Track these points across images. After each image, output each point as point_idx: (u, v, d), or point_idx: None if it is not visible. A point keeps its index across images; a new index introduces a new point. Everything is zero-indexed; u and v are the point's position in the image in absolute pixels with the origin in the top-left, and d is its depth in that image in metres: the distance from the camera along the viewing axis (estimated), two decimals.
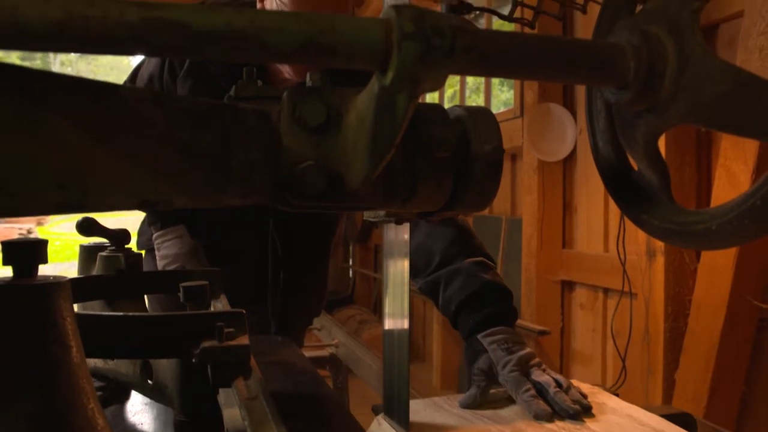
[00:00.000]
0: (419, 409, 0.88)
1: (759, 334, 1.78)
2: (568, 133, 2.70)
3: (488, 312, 0.97)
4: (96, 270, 0.94)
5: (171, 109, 0.39)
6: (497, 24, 3.49)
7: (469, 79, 4.24)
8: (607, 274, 2.40)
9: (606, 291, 2.52)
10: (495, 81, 4.02)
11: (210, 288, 0.77)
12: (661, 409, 0.92)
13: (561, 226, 2.80)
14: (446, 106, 0.54)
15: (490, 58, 0.40)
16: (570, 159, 2.75)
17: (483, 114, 0.51)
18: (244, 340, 0.63)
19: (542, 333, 2.70)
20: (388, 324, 0.81)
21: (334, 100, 0.44)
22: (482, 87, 4.02)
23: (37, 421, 0.43)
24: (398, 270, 0.79)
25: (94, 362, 0.85)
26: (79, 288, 0.83)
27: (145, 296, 1.01)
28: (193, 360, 0.61)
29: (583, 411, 0.85)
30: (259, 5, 1.29)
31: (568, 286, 2.79)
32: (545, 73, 0.44)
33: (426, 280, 1.06)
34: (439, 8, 0.70)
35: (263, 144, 0.43)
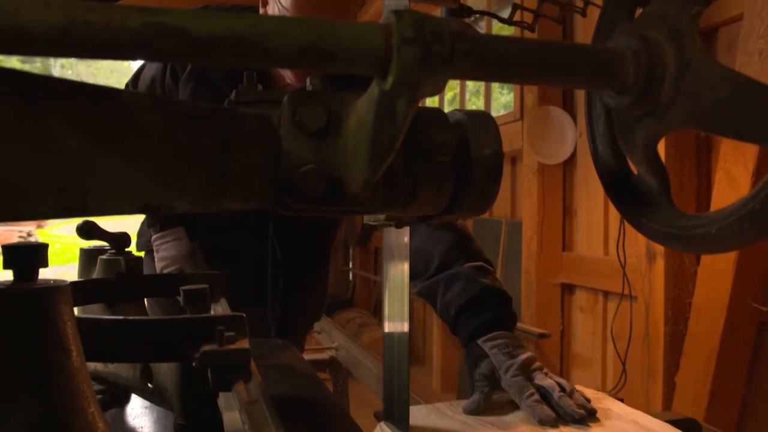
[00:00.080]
0: (422, 415, 0.88)
1: (759, 337, 1.78)
2: (568, 136, 2.70)
3: (488, 317, 0.97)
4: (96, 273, 0.94)
5: (171, 114, 0.40)
6: (497, 27, 3.49)
7: (469, 82, 4.24)
8: (607, 277, 2.40)
9: (606, 294, 2.52)
10: (495, 84, 4.02)
11: (210, 291, 0.77)
12: (666, 414, 0.92)
13: (561, 229, 2.80)
14: (446, 109, 0.54)
15: (489, 63, 0.40)
16: (570, 162, 2.76)
17: (483, 118, 0.51)
18: (244, 343, 0.63)
19: (542, 336, 2.70)
20: (388, 327, 0.81)
21: (334, 104, 0.44)
22: (482, 90, 4.02)
23: (38, 425, 0.43)
24: (398, 273, 0.79)
25: (94, 365, 0.85)
26: (79, 291, 0.83)
27: (145, 299, 1.01)
28: (194, 364, 0.62)
29: (587, 415, 0.85)
30: (261, 10, 1.29)
31: (568, 289, 2.79)
32: (545, 77, 0.44)
33: (425, 284, 1.06)
34: (439, 12, 0.70)
35: (263, 148, 0.43)
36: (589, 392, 0.94)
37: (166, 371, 0.76)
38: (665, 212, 0.52)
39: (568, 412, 0.84)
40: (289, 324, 1.52)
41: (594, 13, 0.62)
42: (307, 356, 2.02)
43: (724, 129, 0.44)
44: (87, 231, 0.93)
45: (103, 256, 0.94)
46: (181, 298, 0.76)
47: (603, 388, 2.38)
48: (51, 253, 0.50)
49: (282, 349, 1.33)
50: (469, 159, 0.50)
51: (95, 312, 0.88)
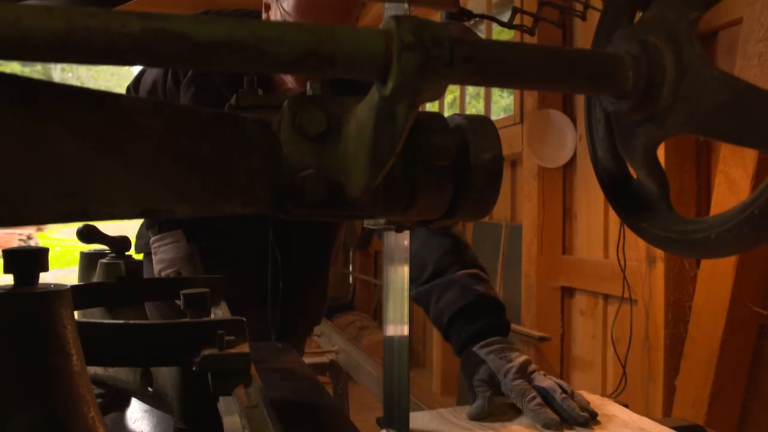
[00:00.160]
0: (425, 421, 0.88)
1: (759, 340, 1.78)
2: (567, 139, 2.70)
3: (482, 324, 0.97)
4: (96, 277, 0.94)
5: (171, 118, 0.40)
6: (497, 30, 3.50)
7: (469, 86, 4.24)
8: (607, 281, 2.40)
9: (606, 297, 2.52)
10: (495, 88, 4.02)
11: (210, 295, 0.77)
12: (671, 421, 0.92)
13: (561, 232, 2.80)
14: (446, 112, 0.54)
15: (489, 68, 0.40)
16: (570, 165, 2.76)
17: (482, 122, 0.52)
18: (244, 348, 0.63)
19: (542, 339, 2.70)
20: (389, 330, 0.81)
21: (334, 109, 0.44)
22: (482, 93, 4.02)
23: (38, 429, 0.43)
24: (398, 276, 0.79)
25: (94, 369, 0.85)
26: (79, 295, 0.84)
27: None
28: (194, 368, 0.61)
29: (590, 418, 0.85)
30: (264, 15, 1.30)
31: (568, 292, 2.79)
32: (544, 82, 0.44)
33: (418, 290, 1.07)
34: (438, 16, 0.70)
35: (264, 153, 0.43)
36: (594, 398, 0.94)
37: (166, 375, 0.76)
38: (665, 217, 0.52)
39: (572, 416, 0.84)
40: (288, 327, 1.52)
41: (594, 17, 0.62)
42: (307, 359, 2.02)
43: (723, 134, 0.44)
44: (87, 234, 0.93)
45: (104, 260, 0.94)
46: (181, 302, 0.76)
47: (603, 392, 2.38)
48: (51, 256, 0.50)
49: (282, 353, 1.33)
50: (469, 163, 0.50)
51: (95, 316, 0.88)
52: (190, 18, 0.34)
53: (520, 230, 2.99)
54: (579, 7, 0.73)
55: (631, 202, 0.55)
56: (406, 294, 0.79)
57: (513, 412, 0.90)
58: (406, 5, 0.63)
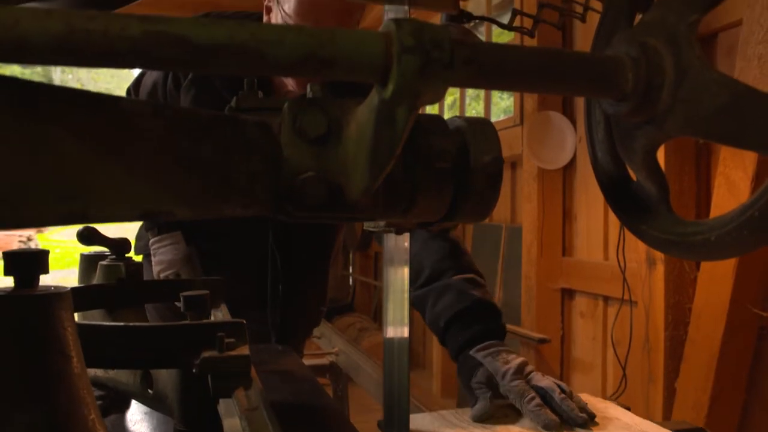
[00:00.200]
0: (426, 423, 0.88)
1: (759, 342, 1.78)
2: (567, 141, 2.70)
3: (479, 329, 0.98)
4: (96, 279, 0.94)
5: (172, 121, 0.40)
6: (497, 32, 3.50)
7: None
8: (607, 282, 2.40)
9: (606, 299, 2.52)
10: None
11: (210, 297, 0.78)
12: (674, 424, 0.92)
13: (561, 233, 2.80)
14: (446, 113, 0.54)
15: (489, 70, 0.40)
16: (570, 167, 2.76)
17: (482, 125, 0.52)
18: (244, 350, 0.63)
19: (542, 341, 2.70)
20: (389, 332, 0.81)
21: (334, 111, 0.44)
22: (482, 95, 4.03)
23: (38, 431, 0.43)
24: (398, 278, 0.79)
25: (94, 371, 0.85)
26: (79, 297, 0.84)
27: None
28: (194, 370, 0.62)
29: (589, 419, 0.85)
30: (265, 18, 1.30)
31: (568, 294, 2.79)
32: (544, 85, 0.44)
33: (415, 294, 1.07)
34: (438, 17, 0.70)
35: (264, 155, 0.43)
36: (597, 401, 0.94)
37: (166, 377, 0.76)
38: (664, 219, 0.52)
39: (571, 416, 0.84)
40: (288, 329, 1.52)
41: (593, 19, 0.62)
42: (307, 361, 2.02)
43: (722, 136, 0.44)
44: (87, 236, 0.93)
45: (104, 262, 0.94)
46: (181, 304, 0.76)
47: (603, 394, 2.38)
48: (51, 257, 0.50)
49: (282, 355, 1.33)
50: (469, 166, 0.50)
51: (96, 318, 0.88)
52: (190, 21, 0.34)
53: (520, 232, 2.99)
54: (579, 9, 0.73)
55: (630, 205, 0.55)
56: (406, 296, 0.79)
57: (515, 414, 0.90)
58: (406, 7, 0.63)
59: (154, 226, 1.44)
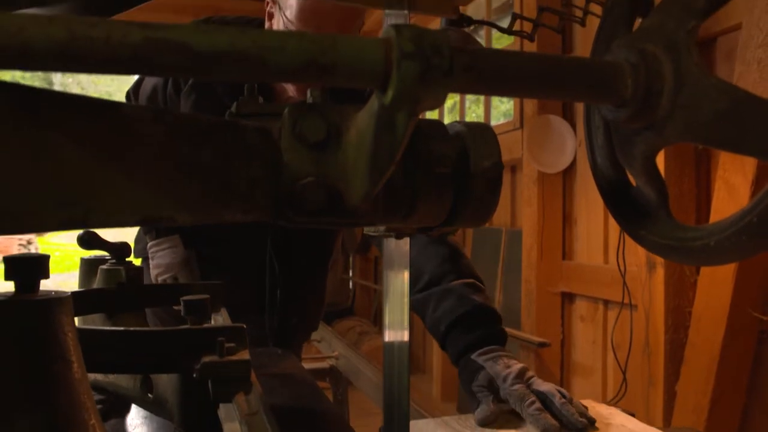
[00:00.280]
0: (429, 429, 0.88)
1: (759, 346, 1.78)
2: (567, 144, 2.70)
3: (479, 333, 0.98)
4: (97, 283, 0.94)
5: (172, 126, 0.40)
6: (496, 36, 3.50)
7: None
8: (607, 286, 2.40)
9: (606, 303, 2.52)
10: None
11: (210, 302, 0.78)
12: (678, 430, 0.92)
13: (561, 237, 2.80)
14: (446, 116, 0.55)
15: (489, 76, 0.41)
16: (570, 170, 2.76)
17: (482, 130, 0.52)
18: (244, 355, 0.63)
19: (542, 345, 2.70)
20: (388, 335, 0.81)
21: (334, 117, 0.45)
22: (482, 99, 4.03)
23: None
24: (398, 281, 0.79)
25: (94, 376, 0.85)
26: (80, 301, 0.84)
27: None
28: (194, 375, 0.62)
29: (589, 424, 0.85)
30: (267, 24, 1.30)
31: (568, 297, 2.79)
32: (544, 91, 0.45)
33: (415, 298, 1.07)
34: (438, 22, 0.70)
35: (264, 160, 0.44)
36: (602, 408, 0.94)
37: (166, 382, 0.76)
38: (664, 224, 0.52)
39: (570, 421, 0.84)
40: (287, 333, 1.52)
41: (593, 23, 0.62)
42: (306, 365, 2.02)
43: (721, 142, 0.44)
44: (88, 241, 0.93)
45: (104, 266, 0.94)
46: (181, 309, 0.76)
47: (603, 398, 2.38)
48: (51, 261, 0.50)
49: (282, 359, 1.33)
50: (469, 171, 0.50)
51: (96, 322, 0.88)
52: (191, 27, 0.34)
53: (520, 236, 2.99)
54: (578, 13, 0.73)
55: (630, 210, 0.55)
56: (406, 299, 0.79)
57: (518, 420, 0.90)
58: (406, 12, 0.63)
59: (152, 229, 1.44)
